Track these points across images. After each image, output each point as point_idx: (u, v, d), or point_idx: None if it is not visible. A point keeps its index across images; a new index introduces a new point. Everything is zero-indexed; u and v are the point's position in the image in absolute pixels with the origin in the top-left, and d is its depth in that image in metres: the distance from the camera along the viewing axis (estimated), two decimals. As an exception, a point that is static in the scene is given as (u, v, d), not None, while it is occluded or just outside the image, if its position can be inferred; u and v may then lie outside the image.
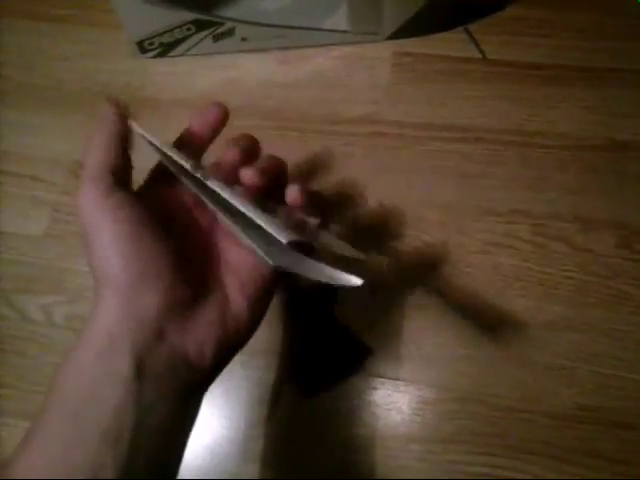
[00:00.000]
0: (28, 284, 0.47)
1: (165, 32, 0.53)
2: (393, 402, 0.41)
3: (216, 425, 0.42)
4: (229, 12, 0.52)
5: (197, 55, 0.56)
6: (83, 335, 0.25)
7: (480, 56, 0.52)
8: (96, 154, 0.27)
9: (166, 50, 0.55)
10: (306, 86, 0.53)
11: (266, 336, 0.44)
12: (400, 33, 0.53)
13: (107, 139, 0.28)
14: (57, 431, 0.23)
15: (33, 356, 0.45)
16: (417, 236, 0.46)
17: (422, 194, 0.47)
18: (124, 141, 0.29)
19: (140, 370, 0.24)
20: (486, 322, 0.43)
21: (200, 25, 0.52)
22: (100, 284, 0.25)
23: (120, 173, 0.28)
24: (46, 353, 0.45)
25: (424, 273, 0.45)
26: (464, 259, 0.45)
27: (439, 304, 0.43)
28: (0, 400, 0.44)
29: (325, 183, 0.49)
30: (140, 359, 0.24)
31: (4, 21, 0.60)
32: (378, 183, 0.48)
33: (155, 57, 0.56)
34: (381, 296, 0.44)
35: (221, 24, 0.52)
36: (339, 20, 0.53)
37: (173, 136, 0.32)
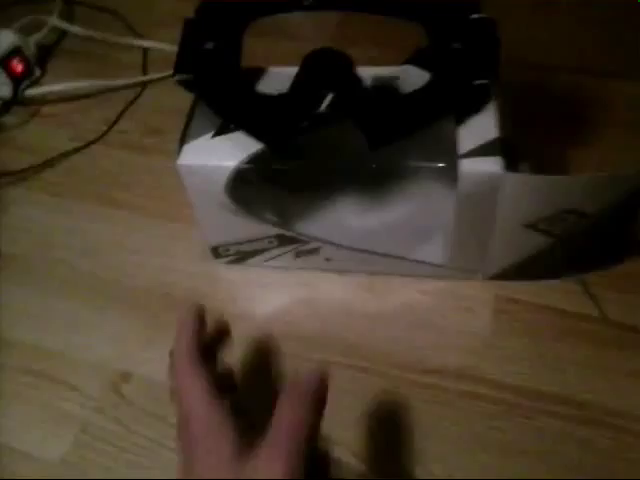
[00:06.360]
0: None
1: (245, 242, 0.49)
2: None
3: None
4: (314, 230, 0.47)
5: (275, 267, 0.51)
6: None
7: (598, 315, 0.45)
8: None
9: (242, 258, 0.51)
10: (390, 321, 0.47)
11: None
12: (504, 274, 0.47)
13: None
14: None
15: None
16: None
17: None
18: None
19: None
20: None
21: (283, 240, 0.48)
22: None
23: None
24: None
25: None
26: None
27: None
28: None
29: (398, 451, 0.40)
30: None
31: (77, 208, 0.58)
32: (461, 460, 0.39)
33: (228, 263, 0.52)
34: None
35: (306, 242, 0.48)
36: (433, 251, 0.47)
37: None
